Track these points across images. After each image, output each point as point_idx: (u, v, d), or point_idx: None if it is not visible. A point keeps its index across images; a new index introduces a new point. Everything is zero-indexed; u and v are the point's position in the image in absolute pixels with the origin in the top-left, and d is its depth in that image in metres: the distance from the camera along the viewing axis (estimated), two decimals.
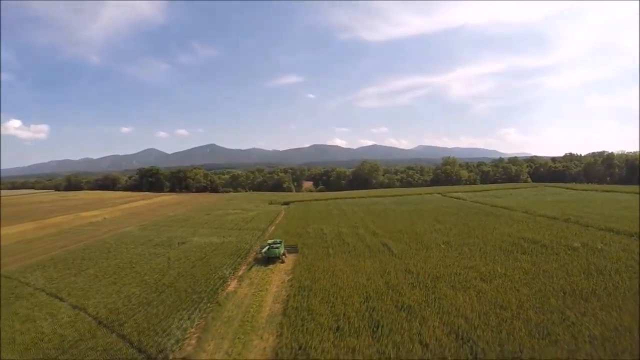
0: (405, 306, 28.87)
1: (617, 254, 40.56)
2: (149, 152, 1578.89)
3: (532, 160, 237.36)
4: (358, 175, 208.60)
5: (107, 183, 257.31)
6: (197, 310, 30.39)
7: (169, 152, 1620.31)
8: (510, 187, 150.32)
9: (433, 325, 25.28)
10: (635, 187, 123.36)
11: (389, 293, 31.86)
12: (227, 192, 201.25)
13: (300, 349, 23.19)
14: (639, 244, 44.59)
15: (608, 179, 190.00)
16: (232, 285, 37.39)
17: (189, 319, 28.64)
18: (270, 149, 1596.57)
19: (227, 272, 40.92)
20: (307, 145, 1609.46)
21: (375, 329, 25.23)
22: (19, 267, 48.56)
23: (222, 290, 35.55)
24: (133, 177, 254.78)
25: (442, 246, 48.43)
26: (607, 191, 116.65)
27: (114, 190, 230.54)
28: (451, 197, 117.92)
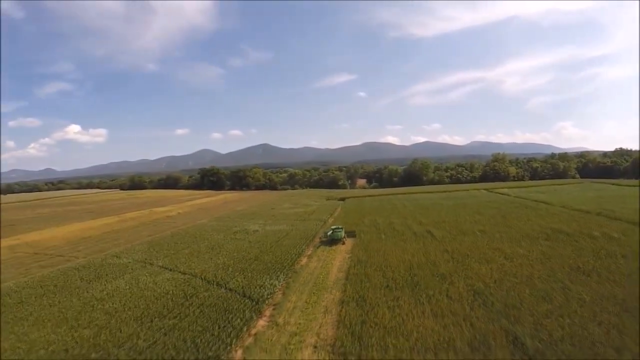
0: (439, 273, 37.17)
1: (627, 241, 46.85)
2: (204, 152, 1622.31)
3: (582, 156, 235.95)
4: (409, 173, 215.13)
5: (169, 182, 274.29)
6: (280, 275, 39.68)
7: (223, 152, 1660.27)
8: (556, 183, 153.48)
9: (458, 286, 33.46)
10: None
11: (428, 265, 40.30)
12: (285, 189, 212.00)
13: (359, 298, 32.03)
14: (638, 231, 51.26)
15: None
16: (304, 260, 46.79)
17: (276, 279, 38.16)
18: (322, 147, 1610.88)
19: (299, 251, 50.49)
20: (359, 143, 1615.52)
21: (414, 287, 33.59)
22: (118, 250, 58.00)
23: (297, 263, 44.94)
24: (194, 177, 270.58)
25: (477, 233, 56.34)
26: None
27: (176, 189, 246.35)
28: (496, 192, 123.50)
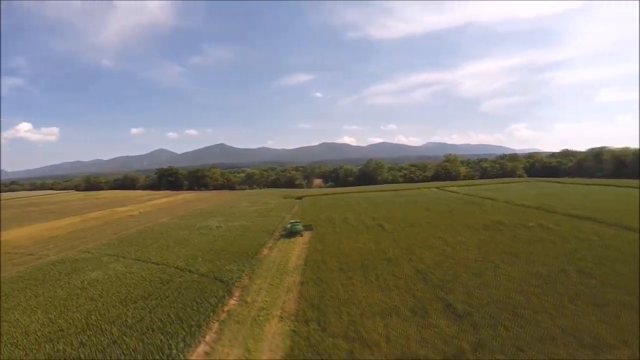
0: (387, 258, 42.92)
1: (559, 230, 54.23)
2: (159, 152, 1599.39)
3: (530, 157, 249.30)
4: (364, 172, 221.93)
5: (126, 183, 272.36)
6: (246, 263, 44.38)
7: (179, 152, 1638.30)
8: (504, 182, 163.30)
9: (403, 267, 39.15)
10: (615, 181, 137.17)
11: (377, 252, 46.01)
12: (242, 189, 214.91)
13: (317, 279, 37.00)
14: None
15: (599, 173, 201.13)
16: (266, 251, 51.61)
17: (242, 266, 42.77)
18: (279, 147, 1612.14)
19: (261, 243, 55.26)
20: (316, 143, 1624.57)
21: (365, 269, 39.10)
22: (89, 247, 60.79)
23: (260, 253, 49.76)
24: (151, 177, 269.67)
25: (424, 225, 62.44)
26: (590, 184, 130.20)
27: (133, 190, 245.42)
28: (446, 190, 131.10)
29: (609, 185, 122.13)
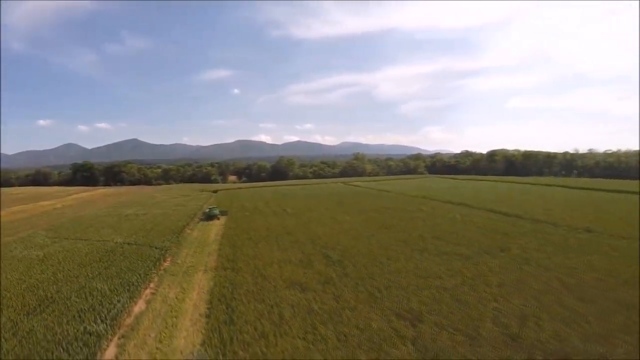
0: (287, 231, 56.57)
1: (431, 212, 71.43)
2: (69, 147, 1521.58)
3: (434, 156, 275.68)
4: (276, 169, 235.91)
5: (38, 178, 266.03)
6: (173, 238, 55.62)
7: (90, 147, 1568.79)
8: (404, 178, 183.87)
9: (299, 237, 52.83)
10: (501, 178, 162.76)
11: (281, 227, 59.90)
12: (159, 184, 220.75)
13: (232, 245, 49.29)
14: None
15: (490, 172, 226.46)
16: (188, 231, 63.06)
17: (170, 241, 53.95)
18: (194, 144, 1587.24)
19: (184, 224, 66.34)
20: (232, 140, 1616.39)
21: (269, 239, 52.28)
22: (27, 234, 66.37)
23: (183, 232, 61.10)
24: (64, 173, 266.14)
25: (322, 210, 76.75)
26: (480, 180, 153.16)
27: (47, 186, 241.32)
28: (351, 185, 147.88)
29: (495, 181, 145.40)
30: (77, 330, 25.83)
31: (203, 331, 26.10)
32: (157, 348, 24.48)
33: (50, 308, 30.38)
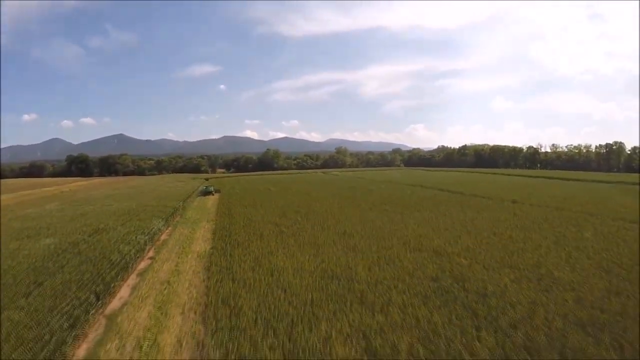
0: (271, 200, 72.73)
1: (388, 189, 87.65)
2: (54, 142, 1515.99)
3: (412, 151, 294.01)
4: (262, 160, 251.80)
5: (33, 171, 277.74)
6: (179, 203, 71.00)
7: (75, 142, 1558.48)
8: (379, 169, 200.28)
9: (279, 203, 68.59)
10: (471, 169, 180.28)
11: (266, 198, 76.23)
12: (153, 174, 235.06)
13: (227, 210, 64.56)
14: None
15: (463, 164, 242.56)
16: (189, 200, 78.54)
17: (178, 204, 69.30)
18: (181, 140, 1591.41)
19: (186, 197, 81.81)
20: (218, 136, 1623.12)
21: (257, 205, 67.67)
22: (58, 205, 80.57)
23: (187, 202, 76.49)
24: (58, 165, 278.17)
25: (299, 190, 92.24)
26: (446, 171, 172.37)
27: (42, 177, 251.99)
28: (330, 174, 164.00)
29: (461, 171, 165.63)
30: (129, 240, 40.50)
31: (211, 242, 41.43)
32: (181, 249, 39.64)
33: (106, 233, 44.99)
